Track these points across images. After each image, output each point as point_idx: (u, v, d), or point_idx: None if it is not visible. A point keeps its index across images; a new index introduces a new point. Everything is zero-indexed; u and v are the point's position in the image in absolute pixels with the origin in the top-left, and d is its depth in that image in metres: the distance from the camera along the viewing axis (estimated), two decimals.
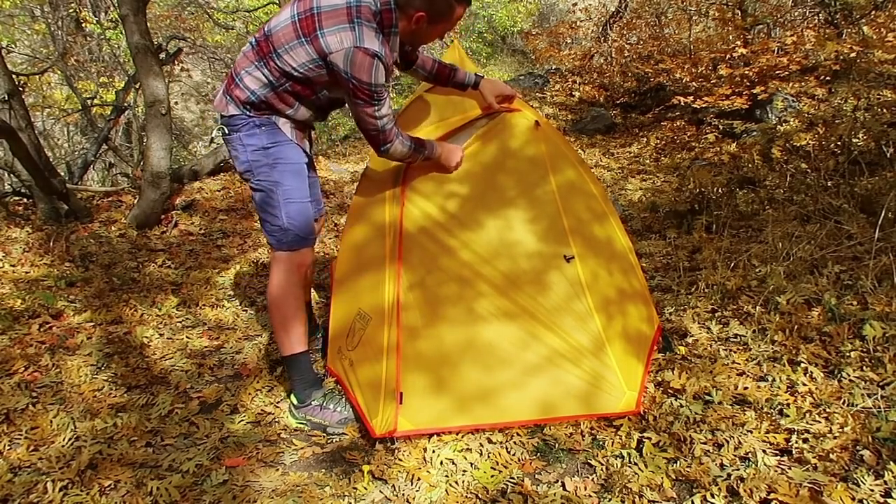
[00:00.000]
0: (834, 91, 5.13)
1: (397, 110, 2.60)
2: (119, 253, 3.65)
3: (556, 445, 1.97)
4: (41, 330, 2.74)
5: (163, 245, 3.89)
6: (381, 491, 1.83)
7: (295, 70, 1.90)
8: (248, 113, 1.99)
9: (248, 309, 3.12)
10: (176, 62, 7.78)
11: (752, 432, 1.89)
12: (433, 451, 1.95)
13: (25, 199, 4.20)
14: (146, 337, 2.77)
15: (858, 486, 1.63)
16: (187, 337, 2.82)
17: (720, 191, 3.76)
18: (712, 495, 1.68)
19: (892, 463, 1.66)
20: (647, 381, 2.19)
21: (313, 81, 1.94)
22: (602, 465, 1.87)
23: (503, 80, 6.44)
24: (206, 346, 2.75)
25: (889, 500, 1.58)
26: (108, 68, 8.91)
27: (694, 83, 6.24)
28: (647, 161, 5.24)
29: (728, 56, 5.89)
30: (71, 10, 8.27)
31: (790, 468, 1.74)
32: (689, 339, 2.42)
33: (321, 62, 1.87)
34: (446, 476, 1.86)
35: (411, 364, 2.01)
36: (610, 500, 1.73)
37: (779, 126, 4.82)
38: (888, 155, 3.59)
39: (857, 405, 1.91)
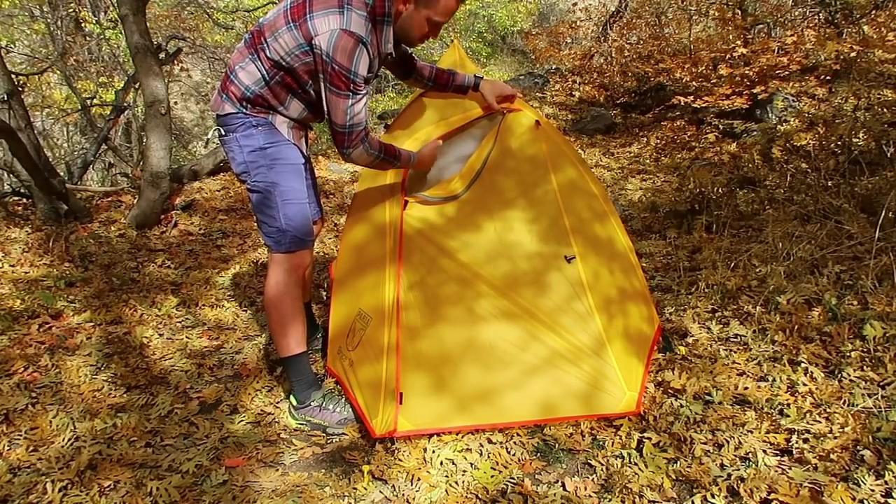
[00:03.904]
0: (834, 91, 5.13)
1: (396, 111, 2.59)
2: (119, 253, 3.65)
3: (557, 445, 1.96)
4: (41, 330, 2.74)
5: (162, 245, 3.89)
6: (381, 491, 1.83)
7: (283, 59, 1.88)
8: (244, 111, 1.97)
9: (248, 309, 3.12)
10: (175, 62, 7.77)
11: (752, 432, 1.89)
12: (433, 452, 1.95)
13: (25, 200, 4.20)
14: (146, 337, 2.77)
15: (859, 486, 1.63)
16: (187, 337, 2.82)
17: (720, 191, 3.76)
18: (712, 495, 1.68)
19: (892, 463, 1.66)
20: (648, 381, 2.19)
21: (298, 72, 1.91)
22: (602, 465, 1.87)
23: (503, 80, 6.42)
24: (205, 346, 2.75)
25: (890, 501, 1.58)
26: (107, 68, 8.90)
27: (694, 83, 6.24)
28: (647, 161, 5.24)
29: (728, 56, 5.89)
30: (70, 10, 8.26)
31: (790, 468, 1.73)
32: (690, 339, 2.42)
33: (308, 47, 1.84)
34: (446, 476, 1.86)
35: (411, 364, 2.00)
36: (610, 500, 1.72)
37: (779, 126, 4.82)
38: (888, 154, 3.59)
39: (857, 405, 1.90)
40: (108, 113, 6.42)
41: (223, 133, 2.03)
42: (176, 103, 10.70)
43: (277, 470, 1.95)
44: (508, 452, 1.95)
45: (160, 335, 2.82)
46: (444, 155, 2.25)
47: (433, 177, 2.25)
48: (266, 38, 1.90)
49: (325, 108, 1.91)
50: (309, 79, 1.95)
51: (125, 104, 6.70)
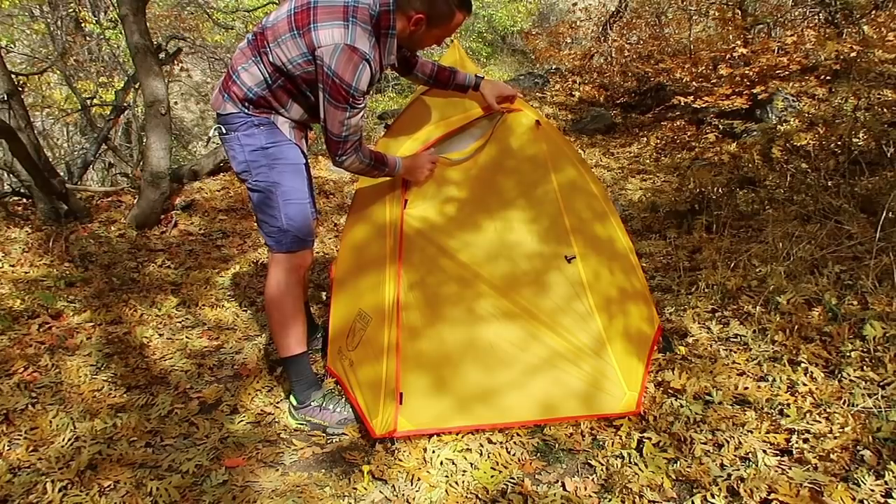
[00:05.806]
0: (834, 91, 5.13)
1: (396, 111, 2.59)
2: (119, 253, 3.65)
3: (557, 445, 1.96)
4: (41, 330, 2.74)
5: (162, 245, 3.89)
6: (381, 491, 1.83)
7: (284, 66, 1.88)
8: (246, 111, 1.97)
9: (248, 309, 3.12)
10: (175, 62, 7.76)
11: (752, 432, 1.89)
12: (433, 452, 1.95)
13: (25, 200, 4.20)
14: (146, 337, 2.77)
15: (859, 486, 1.63)
16: (187, 337, 2.82)
17: (720, 191, 3.76)
18: (712, 495, 1.68)
19: (892, 463, 1.66)
20: (648, 381, 2.19)
21: (299, 79, 1.92)
22: (602, 465, 1.87)
23: (503, 80, 6.41)
24: (205, 346, 2.75)
25: (889, 501, 1.58)
26: (107, 68, 8.89)
27: (694, 83, 6.24)
28: (647, 161, 5.24)
29: (728, 56, 5.90)
30: (70, 10, 8.26)
31: (790, 468, 1.73)
32: (690, 339, 2.42)
33: (310, 57, 1.84)
34: (446, 476, 1.86)
35: (411, 364, 2.00)
36: (610, 500, 1.72)
37: (779, 126, 4.82)
38: (888, 155, 3.59)
39: (857, 405, 1.90)
40: (108, 113, 6.42)
41: (224, 132, 2.02)
42: (176, 103, 10.70)
43: (277, 470, 1.95)
44: (508, 452, 1.95)
45: (160, 335, 2.82)
46: (443, 154, 2.25)
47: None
48: (269, 43, 1.89)
49: (322, 117, 1.90)
50: (308, 86, 1.95)
51: (125, 104, 6.70)
